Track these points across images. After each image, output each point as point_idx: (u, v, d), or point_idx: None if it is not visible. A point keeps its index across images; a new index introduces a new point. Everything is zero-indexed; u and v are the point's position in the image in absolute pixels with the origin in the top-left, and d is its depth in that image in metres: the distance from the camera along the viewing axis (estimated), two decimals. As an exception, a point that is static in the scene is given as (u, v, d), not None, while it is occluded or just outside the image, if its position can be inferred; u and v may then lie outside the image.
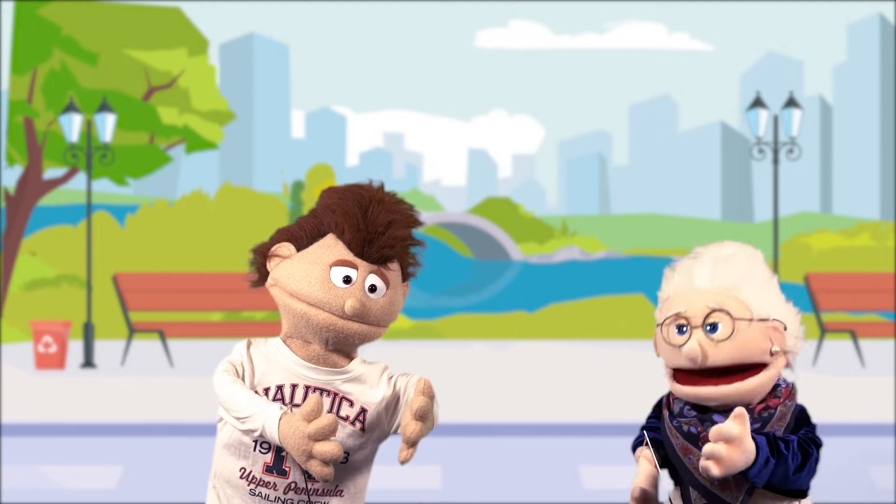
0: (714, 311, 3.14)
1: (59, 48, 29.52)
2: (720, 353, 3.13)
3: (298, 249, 3.31)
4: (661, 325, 3.22)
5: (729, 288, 3.17)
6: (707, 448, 2.98)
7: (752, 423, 3.14)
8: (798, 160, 22.51)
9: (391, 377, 3.37)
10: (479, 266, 35.64)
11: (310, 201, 34.30)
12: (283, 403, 3.24)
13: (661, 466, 3.28)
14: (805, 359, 3.30)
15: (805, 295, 20.31)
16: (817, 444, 3.17)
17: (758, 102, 21.96)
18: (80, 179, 30.85)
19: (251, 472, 3.27)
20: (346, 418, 3.28)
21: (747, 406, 3.16)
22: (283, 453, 3.24)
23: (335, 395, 3.29)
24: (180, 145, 31.26)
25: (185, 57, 30.61)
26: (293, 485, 3.26)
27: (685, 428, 3.18)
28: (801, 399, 3.32)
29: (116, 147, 26.22)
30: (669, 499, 3.33)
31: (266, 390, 3.26)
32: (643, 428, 3.34)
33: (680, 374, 3.20)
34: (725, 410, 3.16)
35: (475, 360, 21.63)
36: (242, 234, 33.78)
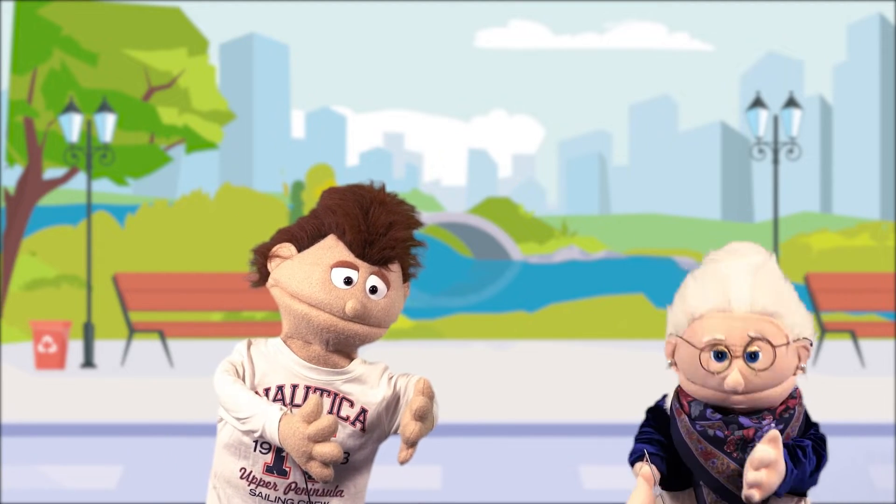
0: (755, 340, 3.13)
1: (59, 48, 29.52)
2: (759, 382, 3.14)
3: (299, 250, 3.31)
4: (700, 350, 3.18)
5: (769, 313, 3.16)
6: (751, 476, 3.03)
7: (776, 425, 3.16)
8: (798, 160, 22.51)
9: (391, 377, 3.37)
10: (479, 266, 35.63)
11: (310, 201, 34.30)
12: (284, 404, 3.23)
13: (663, 479, 3.27)
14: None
15: (805, 295, 20.31)
16: (825, 442, 3.21)
17: (758, 102, 21.95)
18: (80, 179, 30.84)
19: (251, 472, 3.26)
20: (346, 418, 3.28)
21: (770, 410, 3.18)
22: (284, 454, 3.24)
23: (335, 395, 3.29)
24: (180, 145, 31.26)
25: (185, 57, 30.61)
26: (293, 485, 3.26)
27: (710, 432, 3.17)
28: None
29: (116, 147, 26.22)
30: (661, 497, 3.33)
31: (266, 390, 3.25)
32: (639, 440, 3.31)
33: None
34: (751, 412, 3.17)
35: (475, 360, 21.63)
36: (242, 234, 33.77)
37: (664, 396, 3.40)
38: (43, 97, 29.41)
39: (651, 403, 3.44)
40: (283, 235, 3.37)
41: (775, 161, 21.99)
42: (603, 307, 33.05)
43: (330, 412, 3.26)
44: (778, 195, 22.24)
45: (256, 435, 3.17)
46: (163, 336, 20.10)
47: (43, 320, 20.16)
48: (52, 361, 18.78)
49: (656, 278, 33.95)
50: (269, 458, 3.25)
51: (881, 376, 17.67)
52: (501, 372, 19.31)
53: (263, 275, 3.37)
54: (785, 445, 3.12)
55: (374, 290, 3.28)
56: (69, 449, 11.22)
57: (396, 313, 3.36)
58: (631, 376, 18.62)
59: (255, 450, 3.25)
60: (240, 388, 3.22)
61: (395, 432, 3.35)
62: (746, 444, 3.15)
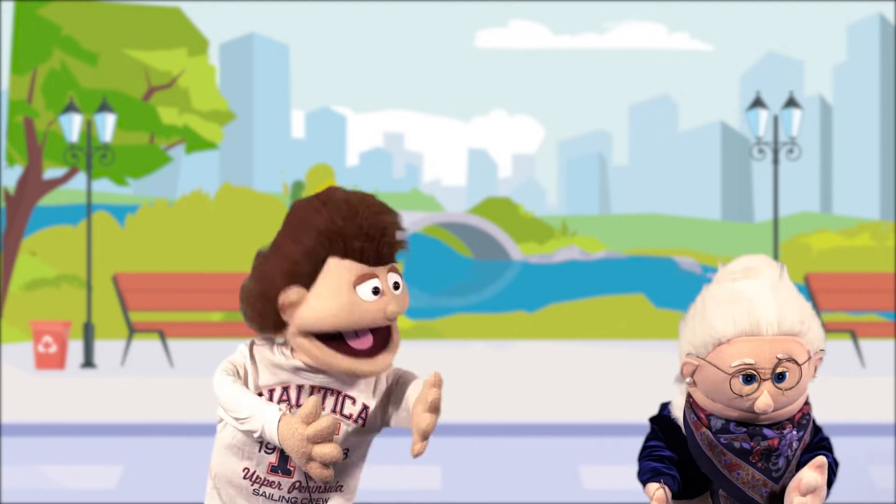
0: (782, 361, 3.16)
1: (59, 48, 29.52)
2: (785, 400, 3.18)
3: (307, 287, 3.22)
4: (730, 375, 3.19)
5: (795, 333, 3.19)
6: (798, 502, 3.11)
7: (797, 432, 3.19)
8: (798, 160, 22.51)
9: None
10: (479, 266, 35.64)
11: (310, 201, 34.30)
12: (289, 405, 3.22)
13: (678, 492, 3.28)
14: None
15: (805, 295, 20.28)
16: (832, 450, 3.28)
17: (758, 102, 21.95)
18: (80, 179, 30.84)
19: (255, 472, 3.25)
20: (349, 416, 3.28)
21: (789, 419, 3.21)
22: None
23: (339, 393, 3.28)
24: (180, 145, 31.26)
25: (185, 57, 30.61)
26: (297, 483, 3.26)
27: (736, 444, 3.19)
28: (802, 399, 3.36)
29: (116, 147, 26.21)
30: None
31: (271, 391, 3.23)
32: (648, 458, 3.30)
33: None
34: (773, 423, 3.20)
35: (475, 360, 21.63)
36: (242, 234, 33.76)
37: (666, 405, 3.39)
38: (43, 97, 29.41)
39: (652, 412, 3.43)
40: (279, 279, 3.24)
41: (775, 161, 21.98)
42: (603, 307, 33.04)
43: (333, 410, 3.25)
44: (778, 195, 22.24)
45: (256, 435, 3.15)
46: (163, 336, 20.09)
47: (43, 320, 20.16)
48: (52, 361, 18.78)
49: (656, 278, 33.96)
50: (273, 457, 3.24)
51: (881, 376, 17.67)
52: (501, 372, 19.30)
53: (270, 322, 3.28)
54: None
55: (396, 286, 3.26)
56: (69, 449, 11.22)
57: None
58: (631, 376, 18.63)
59: (259, 450, 3.24)
60: (239, 389, 3.20)
61: (387, 424, 3.35)
62: (771, 454, 3.18)
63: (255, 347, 3.31)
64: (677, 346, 3.32)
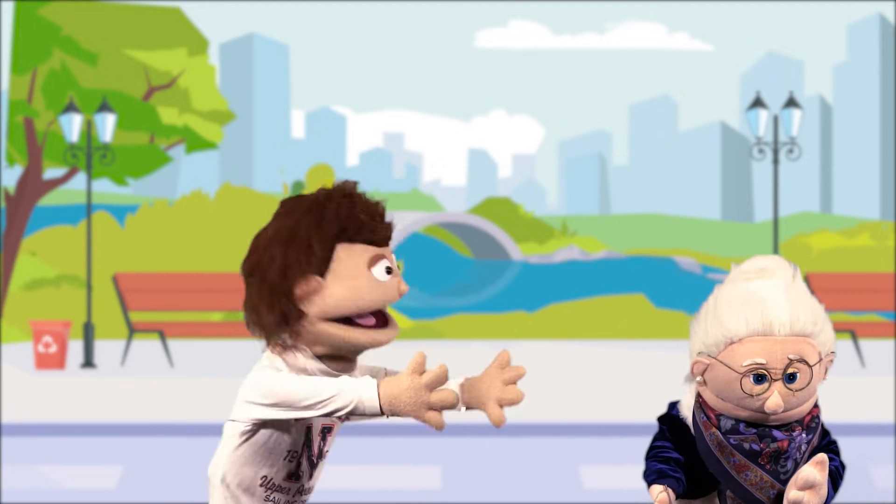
0: (793, 361, 3.17)
1: (59, 48, 29.53)
2: (795, 401, 3.19)
3: (321, 275, 3.28)
4: (741, 374, 3.19)
5: (808, 334, 3.21)
6: (792, 495, 3.08)
7: (806, 434, 3.21)
8: (798, 160, 22.51)
9: (369, 367, 3.41)
10: (479, 266, 35.64)
11: (310, 201, 34.34)
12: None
13: (683, 493, 3.28)
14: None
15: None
16: (839, 453, 3.29)
17: (758, 102, 21.96)
18: (80, 179, 30.84)
19: (272, 479, 3.27)
20: (341, 417, 3.29)
21: (798, 420, 3.22)
22: (301, 459, 3.26)
23: None
24: (180, 145, 31.27)
25: (185, 57, 30.61)
26: (301, 487, 3.29)
27: (746, 445, 3.19)
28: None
29: (116, 147, 26.21)
30: None
31: None
32: (654, 458, 3.31)
33: None
34: (782, 425, 3.21)
35: (475, 360, 21.61)
36: (242, 234, 33.72)
37: (674, 404, 3.38)
38: (43, 97, 29.42)
39: (651, 412, 3.44)
40: (293, 271, 3.23)
41: (775, 161, 21.99)
42: (603, 307, 33.05)
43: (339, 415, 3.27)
44: (778, 195, 22.25)
45: (346, 411, 3.14)
46: (163, 336, 20.10)
47: (43, 320, 20.16)
48: (52, 361, 18.78)
49: (656, 278, 33.96)
50: (293, 466, 3.27)
51: (881, 376, 17.68)
52: (501, 372, 19.29)
53: (285, 318, 3.28)
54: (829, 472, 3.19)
55: (397, 265, 3.34)
56: (69, 449, 11.22)
57: None
58: (631, 376, 18.64)
59: (284, 458, 3.26)
60: (307, 377, 3.22)
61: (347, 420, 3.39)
62: (780, 456, 3.19)
63: (284, 355, 3.31)
64: (688, 345, 3.33)
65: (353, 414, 3.14)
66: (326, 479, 3.67)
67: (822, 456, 3.05)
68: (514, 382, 3.26)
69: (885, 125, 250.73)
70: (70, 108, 22.16)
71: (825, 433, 3.31)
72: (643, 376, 18.32)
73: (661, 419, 3.36)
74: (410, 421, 3.20)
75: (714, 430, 3.23)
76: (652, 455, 3.29)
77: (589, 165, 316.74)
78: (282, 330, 3.25)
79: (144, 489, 9.30)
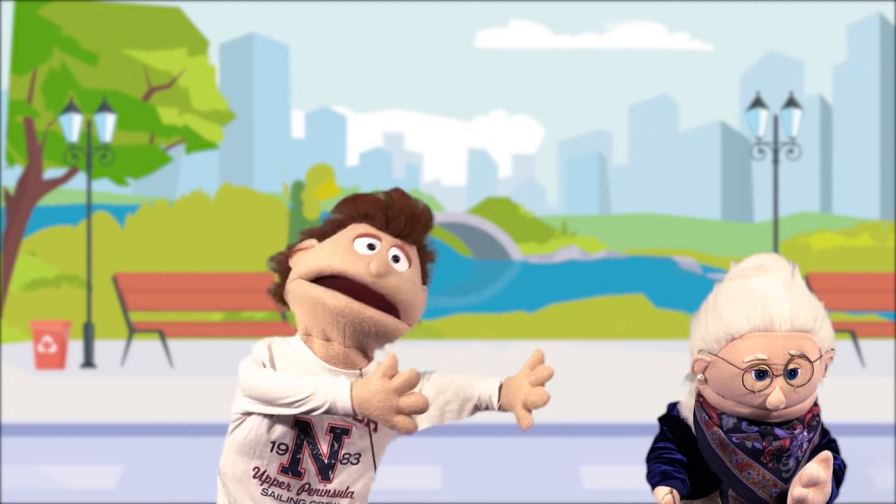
0: (794, 357, 3.17)
1: (59, 48, 29.52)
2: (797, 397, 3.20)
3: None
4: (743, 370, 3.19)
5: (807, 329, 3.21)
6: (797, 492, 3.10)
7: (807, 433, 3.21)
8: (798, 160, 22.51)
9: None
10: (479, 266, 35.64)
11: (310, 201, 34.31)
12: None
13: (684, 497, 3.28)
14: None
15: (805, 295, 20.29)
16: (839, 451, 3.29)
17: (758, 102, 21.95)
18: (80, 179, 30.84)
19: (265, 471, 3.26)
20: (361, 420, 3.28)
21: (799, 419, 3.22)
22: (300, 455, 3.24)
23: None
24: (180, 145, 31.26)
25: (185, 57, 30.61)
26: (307, 486, 3.27)
27: (748, 444, 3.19)
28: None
29: (116, 147, 26.22)
30: None
31: None
32: (656, 459, 3.30)
33: None
34: (784, 423, 3.21)
35: (475, 360, 21.63)
36: (242, 234, 33.77)
37: (674, 405, 3.38)
38: (43, 97, 29.41)
39: (651, 412, 3.43)
40: (303, 235, 3.41)
41: (775, 161, 21.99)
42: (603, 307, 33.05)
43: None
44: (778, 195, 22.25)
45: (321, 411, 3.13)
46: (163, 336, 20.10)
47: (43, 320, 20.16)
48: (52, 361, 18.78)
49: (656, 278, 33.95)
50: (285, 458, 3.25)
51: (881, 376, 17.68)
52: (501, 372, 19.28)
53: (285, 275, 3.36)
54: (833, 471, 3.19)
55: (396, 258, 3.31)
56: (69, 449, 11.22)
57: (419, 301, 3.37)
58: (631, 376, 18.63)
59: (271, 450, 3.25)
60: (287, 375, 3.22)
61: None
62: (782, 454, 3.19)
63: (272, 347, 3.32)
64: (688, 345, 3.33)
65: (329, 413, 3.14)
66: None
67: (827, 453, 3.05)
68: (542, 384, 3.24)
69: (885, 125, 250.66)
70: (70, 108, 22.16)
71: (825, 432, 3.31)
72: (643, 376, 18.32)
73: (661, 420, 3.36)
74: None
75: (716, 428, 3.23)
76: (654, 457, 3.29)
77: (589, 165, 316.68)
78: (278, 274, 3.33)
79: (144, 489, 9.30)
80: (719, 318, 3.23)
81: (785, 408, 3.17)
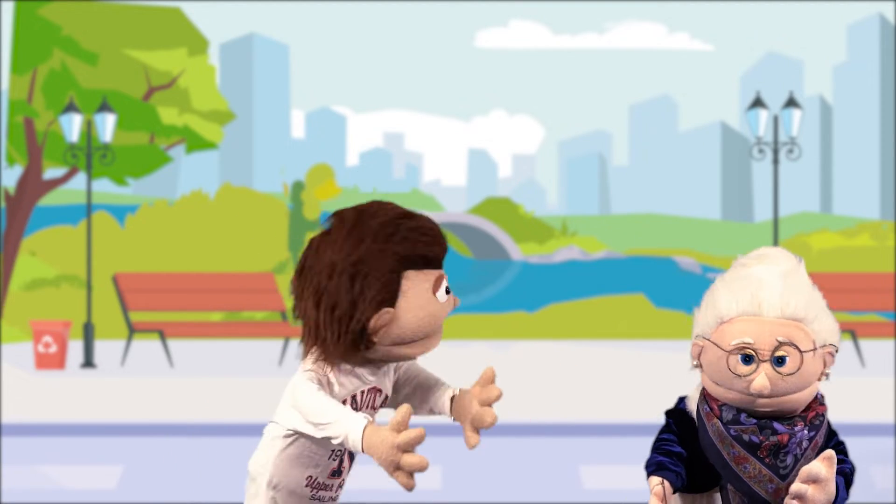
0: (782, 344, 3.15)
1: (59, 48, 29.52)
2: (785, 386, 3.17)
3: (393, 305, 3.29)
4: (728, 353, 3.20)
5: (798, 318, 3.19)
6: (794, 488, 3.05)
7: (808, 431, 3.19)
8: (798, 160, 22.51)
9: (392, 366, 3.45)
10: (479, 266, 35.65)
11: (310, 201, 34.30)
12: (356, 409, 3.31)
13: (679, 490, 3.28)
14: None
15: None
16: (847, 454, 3.28)
17: (758, 102, 21.96)
18: (80, 179, 30.84)
19: (317, 478, 3.32)
20: (375, 408, 3.37)
21: (802, 416, 3.21)
22: (343, 456, 3.32)
23: (377, 390, 3.36)
24: (180, 145, 31.26)
25: (185, 57, 30.61)
26: (342, 482, 3.37)
27: (745, 437, 3.19)
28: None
29: (116, 147, 26.22)
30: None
31: (343, 402, 3.29)
32: (657, 450, 3.31)
33: None
34: (785, 419, 3.20)
35: (475, 360, 21.64)
36: (242, 234, 33.77)
37: (683, 399, 3.39)
38: (43, 97, 29.41)
39: (651, 412, 3.44)
40: (366, 303, 3.25)
41: (775, 161, 21.99)
42: (603, 307, 33.05)
43: (373, 406, 3.34)
44: (778, 195, 22.25)
45: (336, 442, 3.18)
46: (163, 336, 20.10)
47: (43, 320, 20.16)
48: (52, 361, 18.78)
49: (656, 278, 33.95)
50: (335, 463, 3.32)
51: (881, 376, 17.69)
52: (501, 372, 19.28)
53: (346, 347, 3.28)
54: (840, 473, 3.17)
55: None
56: (69, 449, 11.22)
57: None
58: (631, 376, 18.64)
59: (329, 458, 3.31)
60: (323, 395, 3.24)
61: (393, 407, 3.46)
62: (780, 450, 3.18)
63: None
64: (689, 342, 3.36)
65: (344, 446, 3.21)
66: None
67: (830, 452, 3.03)
68: (490, 404, 3.27)
69: (885, 125, 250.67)
70: (70, 108, 22.16)
71: (832, 434, 3.29)
72: (643, 376, 18.32)
73: (668, 413, 3.37)
74: (411, 420, 3.21)
75: (716, 420, 3.24)
76: (656, 447, 3.31)
77: (589, 165, 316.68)
78: (348, 356, 3.28)
79: (144, 489, 9.30)
80: (713, 303, 3.25)
81: (772, 396, 3.16)
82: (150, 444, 11.37)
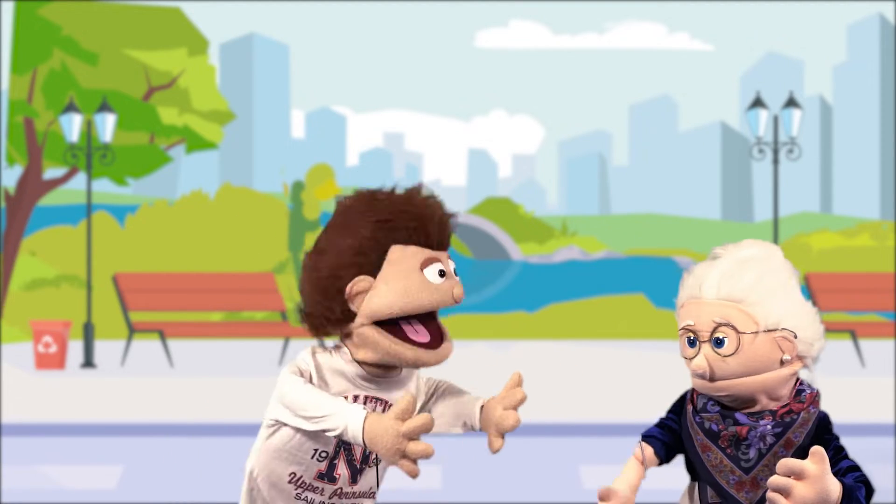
0: (719, 325, 3.14)
1: (59, 48, 29.52)
2: (727, 368, 3.14)
3: (373, 276, 3.23)
4: (680, 338, 3.23)
5: (735, 299, 3.16)
6: (774, 481, 2.95)
7: (774, 427, 3.16)
8: (798, 160, 22.51)
9: (421, 378, 3.42)
10: (479, 266, 35.64)
11: (310, 201, 34.31)
12: None
13: (667, 461, 3.30)
14: (820, 359, 3.30)
15: (805, 295, 20.31)
16: (859, 468, 3.24)
17: (758, 102, 21.96)
18: (80, 179, 30.84)
19: (301, 477, 3.28)
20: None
21: (771, 411, 3.18)
22: (336, 461, 3.26)
23: (385, 403, 3.31)
24: (180, 145, 31.26)
25: (185, 57, 30.61)
26: (339, 490, 3.30)
27: (707, 424, 3.19)
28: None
29: (116, 147, 26.22)
30: (688, 493, 3.34)
31: None
32: (655, 424, 3.34)
33: None
34: (747, 409, 3.18)
35: (475, 360, 21.62)
36: (242, 234, 33.76)
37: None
38: (43, 97, 29.41)
39: (659, 411, 3.46)
40: (346, 270, 3.24)
41: (775, 161, 21.99)
42: (603, 307, 33.05)
43: None
44: (778, 195, 22.24)
45: (335, 434, 3.14)
46: (163, 336, 20.10)
47: (43, 320, 20.16)
48: (52, 361, 18.78)
49: (656, 278, 33.95)
50: (323, 465, 3.28)
51: (881, 376, 17.68)
52: (501, 372, 19.30)
53: (335, 318, 3.27)
54: (862, 484, 3.15)
55: (455, 271, 3.32)
56: (69, 449, 11.22)
57: None
58: (631, 376, 18.63)
59: (312, 457, 3.27)
60: (313, 388, 3.21)
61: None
62: (740, 442, 3.16)
63: (316, 355, 3.31)
64: None
65: (342, 438, 3.15)
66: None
67: (818, 448, 2.99)
68: (514, 408, 3.26)
69: (885, 125, 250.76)
70: (70, 108, 22.16)
71: (826, 437, 3.24)
72: (643, 376, 18.32)
73: (679, 397, 3.39)
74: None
75: (690, 407, 3.26)
76: (657, 422, 3.33)
77: (589, 165, 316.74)
78: (330, 326, 3.26)
79: (144, 489, 9.30)
80: (679, 292, 3.29)
81: (716, 379, 3.16)
82: (150, 444, 11.37)
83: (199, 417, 12.42)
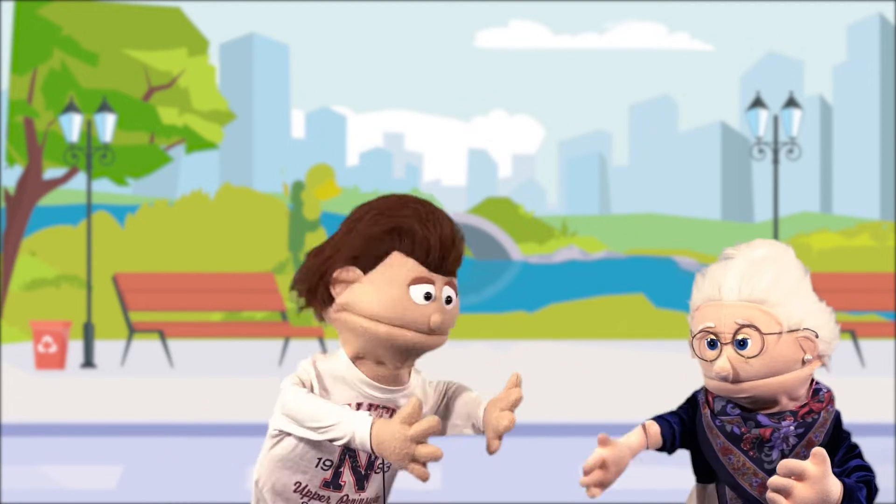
0: (742, 327, 3.14)
1: (59, 48, 29.53)
2: (751, 370, 3.14)
3: (364, 272, 3.23)
4: (693, 337, 3.21)
5: (757, 300, 3.16)
6: (774, 481, 2.96)
7: (796, 428, 3.16)
8: (798, 160, 22.51)
9: (430, 383, 3.41)
10: (479, 266, 35.65)
11: (310, 201, 34.31)
12: None
13: (670, 449, 3.29)
14: (833, 357, 3.30)
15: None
16: (870, 469, 3.21)
17: (758, 102, 21.96)
18: (80, 179, 30.85)
19: (307, 486, 3.28)
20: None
21: (792, 411, 3.17)
22: (341, 469, 3.26)
23: (393, 411, 3.30)
24: (180, 145, 31.27)
25: (185, 57, 30.62)
26: (345, 497, 3.29)
27: (728, 427, 3.18)
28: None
29: (116, 147, 26.23)
30: (696, 496, 3.34)
31: None
32: (671, 412, 3.33)
33: None
34: (767, 411, 3.18)
35: (475, 360, 21.61)
36: (242, 234, 33.76)
37: (703, 388, 3.41)
38: (43, 97, 29.42)
39: (659, 411, 3.45)
40: (338, 257, 3.26)
41: (775, 161, 21.99)
42: (603, 307, 33.06)
43: None
44: (778, 195, 22.25)
45: (342, 442, 3.14)
46: (163, 336, 20.10)
47: (43, 320, 20.16)
48: (52, 361, 18.78)
49: (656, 278, 33.96)
50: (328, 473, 3.27)
51: (881, 376, 17.68)
52: (501, 372, 19.31)
53: (319, 300, 3.29)
54: (862, 481, 3.13)
55: (448, 300, 3.27)
56: (69, 449, 11.23)
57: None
58: (631, 376, 18.63)
59: (316, 466, 3.26)
60: (316, 398, 3.21)
61: (441, 434, 3.40)
62: (763, 444, 3.15)
63: (317, 363, 3.31)
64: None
65: (349, 446, 3.15)
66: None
67: (819, 449, 2.98)
68: (511, 408, 3.25)
69: (885, 125, 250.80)
70: (70, 108, 22.16)
71: (840, 435, 3.23)
72: (643, 376, 18.32)
73: (688, 397, 3.38)
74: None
75: (706, 410, 3.24)
76: (669, 411, 3.33)
77: (589, 165, 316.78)
78: (309, 304, 3.26)
79: (144, 489, 9.30)
80: (693, 294, 3.28)
81: (739, 381, 3.15)
82: (150, 444, 11.37)
83: (199, 417, 12.42)
